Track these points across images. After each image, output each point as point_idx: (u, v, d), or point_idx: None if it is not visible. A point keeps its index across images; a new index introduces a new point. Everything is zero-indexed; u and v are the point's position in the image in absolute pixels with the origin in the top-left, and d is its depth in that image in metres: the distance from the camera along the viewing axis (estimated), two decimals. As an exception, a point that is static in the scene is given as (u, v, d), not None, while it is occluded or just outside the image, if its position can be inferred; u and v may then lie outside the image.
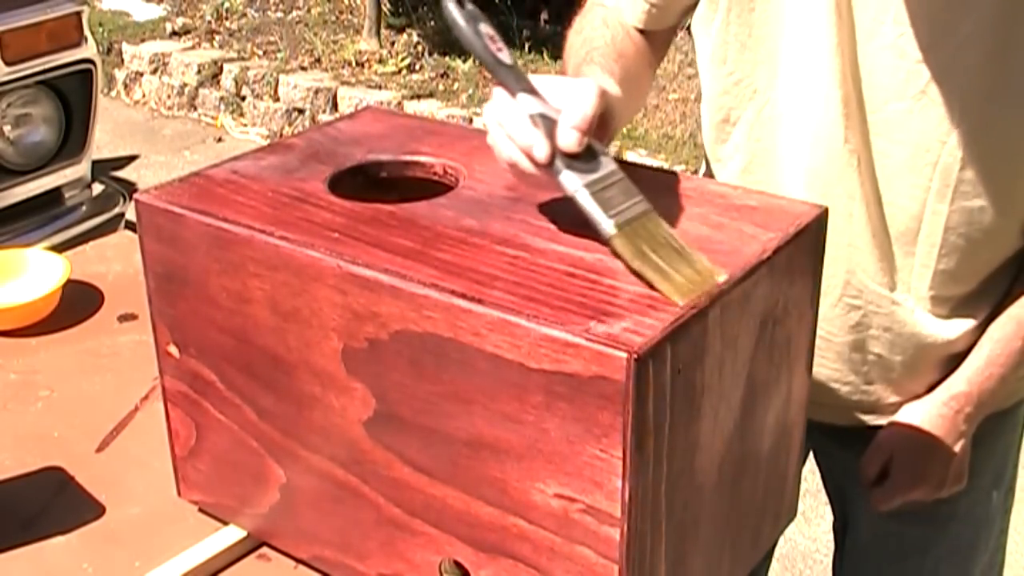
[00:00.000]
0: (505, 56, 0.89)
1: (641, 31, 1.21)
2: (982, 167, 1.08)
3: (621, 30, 1.20)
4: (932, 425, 1.19)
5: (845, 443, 1.28)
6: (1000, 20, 1.02)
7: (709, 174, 1.26)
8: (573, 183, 0.84)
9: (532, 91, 0.87)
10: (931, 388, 1.21)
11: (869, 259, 1.14)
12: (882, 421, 1.23)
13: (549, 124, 0.85)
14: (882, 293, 1.16)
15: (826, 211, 0.92)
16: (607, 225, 0.82)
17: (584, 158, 0.85)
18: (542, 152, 0.84)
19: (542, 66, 4.89)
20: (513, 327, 0.75)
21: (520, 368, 0.76)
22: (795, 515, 1.04)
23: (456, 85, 4.93)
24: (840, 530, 1.43)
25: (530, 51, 5.07)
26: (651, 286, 0.79)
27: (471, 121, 4.54)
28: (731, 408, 0.84)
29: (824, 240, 0.93)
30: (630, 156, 4.01)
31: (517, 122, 0.85)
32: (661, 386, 0.74)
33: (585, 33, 1.19)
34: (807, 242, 0.90)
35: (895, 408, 1.23)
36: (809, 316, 0.94)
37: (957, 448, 1.19)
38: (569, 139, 0.84)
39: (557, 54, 5.10)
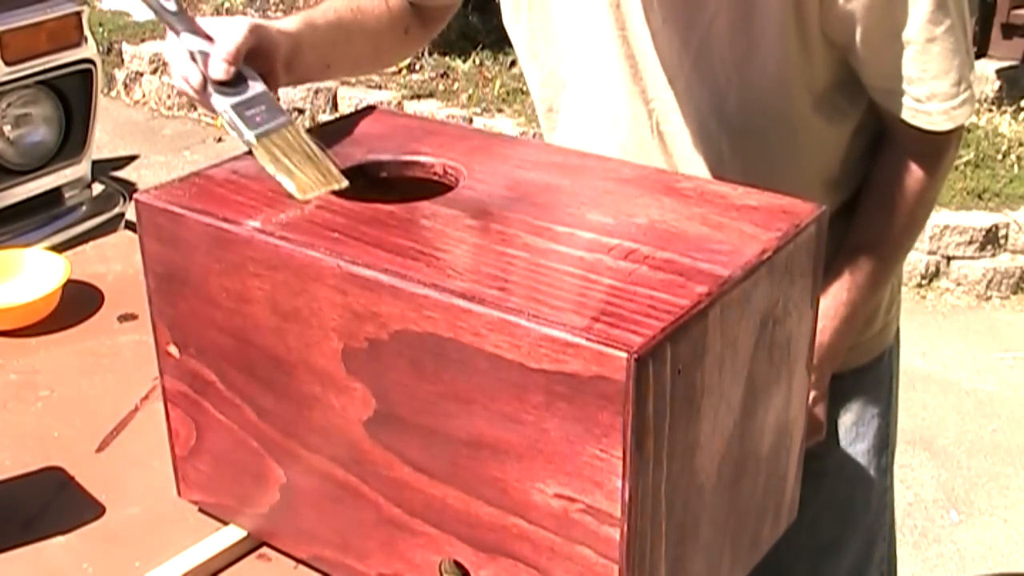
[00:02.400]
0: (171, 4, 1.06)
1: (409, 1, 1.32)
2: (756, 133, 1.17)
3: None
4: None
5: None
6: None
7: None
8: (221, 104, 1.02)
9: (194, 31, 1.05)
10: None
11: None
12: None
13: (205, 57, 1.03)
14: None
15: (825, 211, 0.92)
16: (249, 136, 0.99)
17: (234, 83, 1.03)
18: (195, 80, 1.03)
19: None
20: (513, 327, 0.75)
21: (520, 368, 0.76)
22: (795, 515, 1.04)
23: (456, 85, 4.93)
24: None
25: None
26: (282, 186, 0.94)
27: (471, 121, 4.54)
28: (731, 408, 0.84)
29: (824, 240, 0.94)
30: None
31: (178, 57, 1.04)
32: (661, 386, 0.74)
33: None
34: (807, 242, 0.90)
35: None
36: (809, 316, 0.94)
37: (808, 400, 1.22)
38: (216, 69, 1.02)
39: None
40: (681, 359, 0.75)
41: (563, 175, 0.98)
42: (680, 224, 0.88)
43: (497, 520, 0.82)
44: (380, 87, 4.97)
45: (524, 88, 4.84)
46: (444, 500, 0.84)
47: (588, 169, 0.99)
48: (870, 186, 1.21)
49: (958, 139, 1.20)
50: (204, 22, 1.06)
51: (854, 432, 1.35)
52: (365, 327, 0.83)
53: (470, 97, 4.78)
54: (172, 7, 1.06)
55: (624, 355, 0.71)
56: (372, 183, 1.01)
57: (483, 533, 0.83)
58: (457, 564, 0.86)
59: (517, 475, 0.79)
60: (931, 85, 1.12)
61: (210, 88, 1.03)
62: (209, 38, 1.04)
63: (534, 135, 4.27)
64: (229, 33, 1.04)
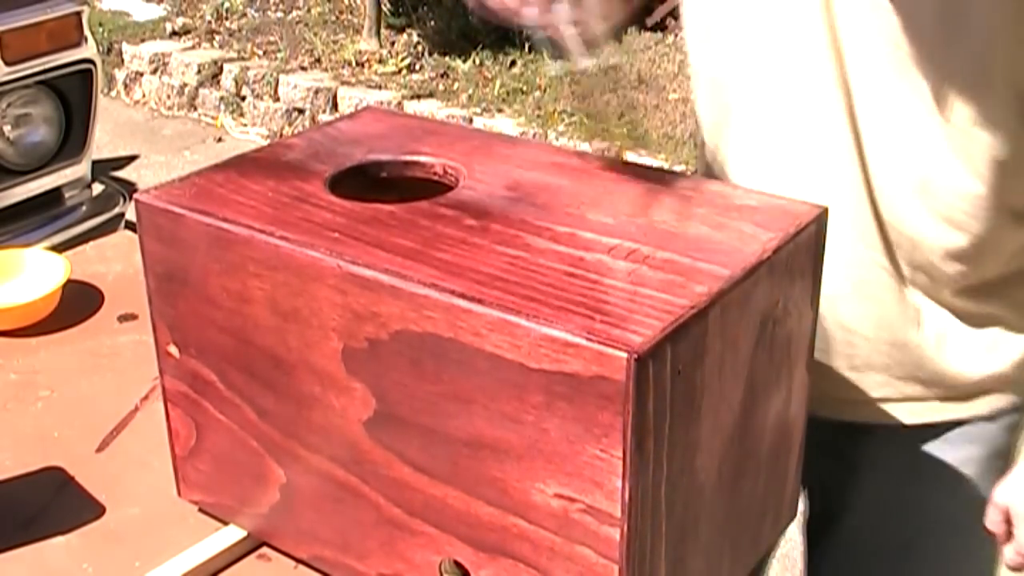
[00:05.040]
0: None
1: None
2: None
3: None
4: None
5: (840, 434, 1.27)
6: None
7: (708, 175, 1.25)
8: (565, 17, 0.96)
9: None
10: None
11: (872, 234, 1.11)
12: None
13: None
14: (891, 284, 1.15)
15: (826, 211, 0.92)
16: (585, 62, 0.97)
17: None
18: None
19: (542, 65, 4.89)
20: (513, 327, 0.75)
21: (520, 368, 0.76)
22: (795, 515, 1.04)
23: (456, 85, 4.93)
24: (822, 525, 1.40)
25: (530, 51, 5.07)
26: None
27: (471, 121, 4.54)
28: (731, 408, 0.85)
29: (824, 240, 0.93)
30: (630, 156, 4.01)
31: None
32: (661, 386, 0.74)
33: None
34: (807, 242, 0.90)
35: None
36: (809, 316, 0.94)
37: None
38: None
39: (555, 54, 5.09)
40: (681, 359, 0.75)
41: (563, 175, 0.98)
42: (680, 224, 0.88)
43: (497, 520, 0.82)
44: (380, 87, 4.98)
45: (524, 88, 4.85)
46: (444, 500, 0.84)
47: (588, 169, 1.00)
48: None
49: None
50: None
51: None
52: (365, 327, 0.83)
53: (470, 97, 4.78)
54: None
55: (624, 355, 0.71)
56: (372, 183, 1.01)
57: (483, 533, 0.83)
58: (457, 564, 0.86)
59: (517, 475, 0.79)
60: None
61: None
62: None
63: (534, 135, 4.27)
64: None
